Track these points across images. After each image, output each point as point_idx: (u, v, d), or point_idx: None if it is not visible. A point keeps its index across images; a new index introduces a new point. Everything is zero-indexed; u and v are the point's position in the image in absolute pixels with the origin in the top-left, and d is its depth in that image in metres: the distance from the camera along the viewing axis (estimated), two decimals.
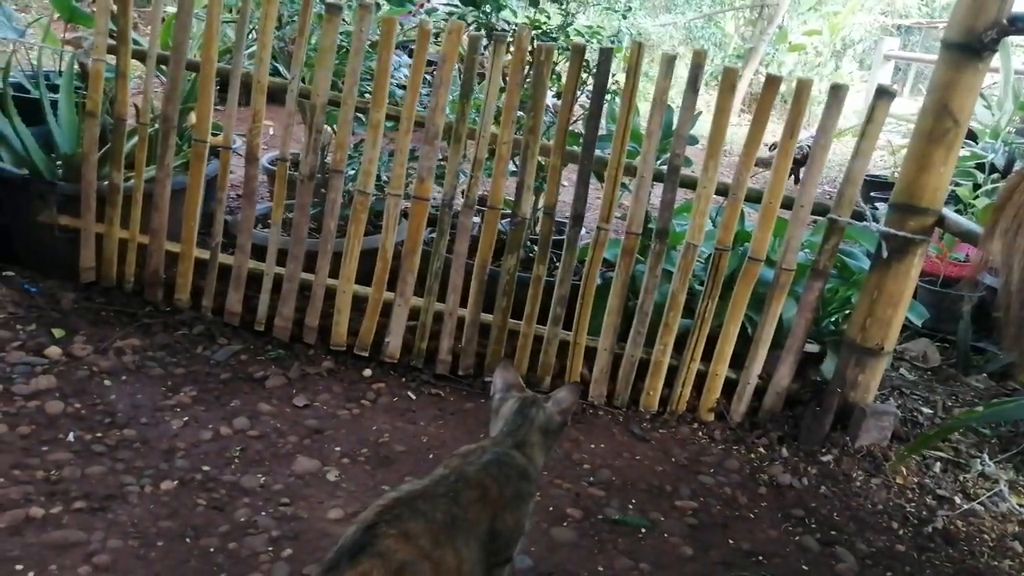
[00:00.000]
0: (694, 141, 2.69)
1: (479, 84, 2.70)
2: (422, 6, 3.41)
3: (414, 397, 2.68)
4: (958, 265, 3.83)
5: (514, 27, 2.96)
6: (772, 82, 2.52)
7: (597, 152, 2.66)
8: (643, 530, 2.17)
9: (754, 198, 2.60)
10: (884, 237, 2.54)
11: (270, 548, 1.91)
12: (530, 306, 2.74)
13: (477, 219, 2.85)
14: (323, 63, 2.64)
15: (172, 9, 3.09)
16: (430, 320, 2.79)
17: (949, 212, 2.54)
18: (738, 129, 6.75)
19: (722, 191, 2.61)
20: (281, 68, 3.25)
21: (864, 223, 2.59)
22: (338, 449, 2.34)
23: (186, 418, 2.36)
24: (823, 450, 2.64)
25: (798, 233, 2.61)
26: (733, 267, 2.69)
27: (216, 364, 2.66)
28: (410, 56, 2.73)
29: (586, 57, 2.68)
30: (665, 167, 2.61)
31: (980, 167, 4.07)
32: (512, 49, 2.55)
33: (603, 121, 2.67)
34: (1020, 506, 2.50)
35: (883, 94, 2.48)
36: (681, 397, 2.78)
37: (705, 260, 2.79)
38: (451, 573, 1.37)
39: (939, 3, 11.47)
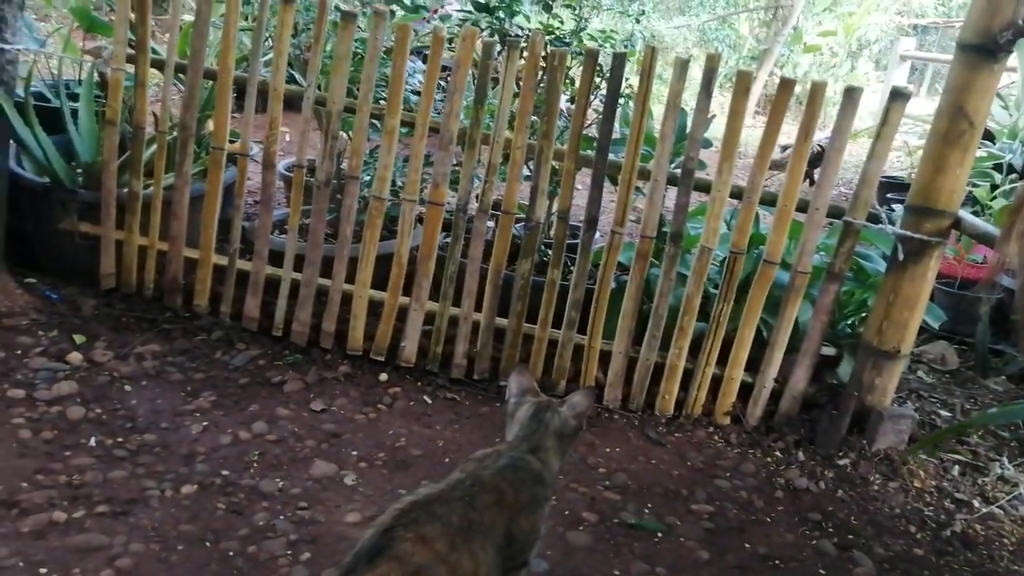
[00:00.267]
0: (708, 144, 2.69)
1: (493, 89, 2.72)
2: (436, 12, 3.43)
3: (430, 401, 2.69)
4: (976, 267, 3.81)
5: (527, 32, 2.98)
6: (786, 85, 2.52)
7: (611, 156, 2.66)
8: (659, 534, 2.18)
9: (769, 201, 2.60)
10: (900, 239, 2.53)
11: (288, 552, 1.92)
12: (545, 310, 2.75)
13: (491, 224, 2.87)
14: (339, 70, 2.66)
15: (189, 18, 3.12)
16: (445, 324, 2.80)
17: (965, 214, 2.53)
18: (752, 131, 6.73)
19: (736, 194, 2.61)
20: (297, 75, 3.28)
21: (880, 225, 2.58)
22: (355, 453, 2.36)
23: (205, 423, 2.39)
24: (840, 454, 2.63)
25: (813, 236, 2.60)
26: (748, 270, 2.69)
27: (235, 369, 2.69)
28: (424, 62, 2.75)
29: (599, 62, 2.69)
30: (679, 170, 2.61)
31: (998, 168, 4.05)
32: (526, 54, 2.57)
33: (617, 125, 2.67)
34: None
35: (898, 96, 2.47)
36: (697, 401, 2.78)
37: (720, 263, 2.79)
38: None
39: (956, 2, 11.38)
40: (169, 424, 2.36)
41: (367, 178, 2.98)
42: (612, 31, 3.30)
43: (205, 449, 2.27)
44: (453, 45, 2.82)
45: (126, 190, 2.88)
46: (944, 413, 2.97)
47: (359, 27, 2.76)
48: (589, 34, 3.15)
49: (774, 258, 2.60)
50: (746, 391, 2.78)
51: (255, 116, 2.81)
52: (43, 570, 1.76)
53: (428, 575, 1.32)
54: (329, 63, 2.78)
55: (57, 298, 2.91)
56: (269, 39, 2.94)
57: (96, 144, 3.04)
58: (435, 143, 2.69)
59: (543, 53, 2.64)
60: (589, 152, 2.69)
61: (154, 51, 2.89)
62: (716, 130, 2.67)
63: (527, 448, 1.68)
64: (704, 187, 2.63)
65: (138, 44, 2.78)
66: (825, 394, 2.81)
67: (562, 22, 3.22)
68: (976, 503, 2.47)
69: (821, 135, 4.98)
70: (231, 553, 1.90)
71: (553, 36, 3.06)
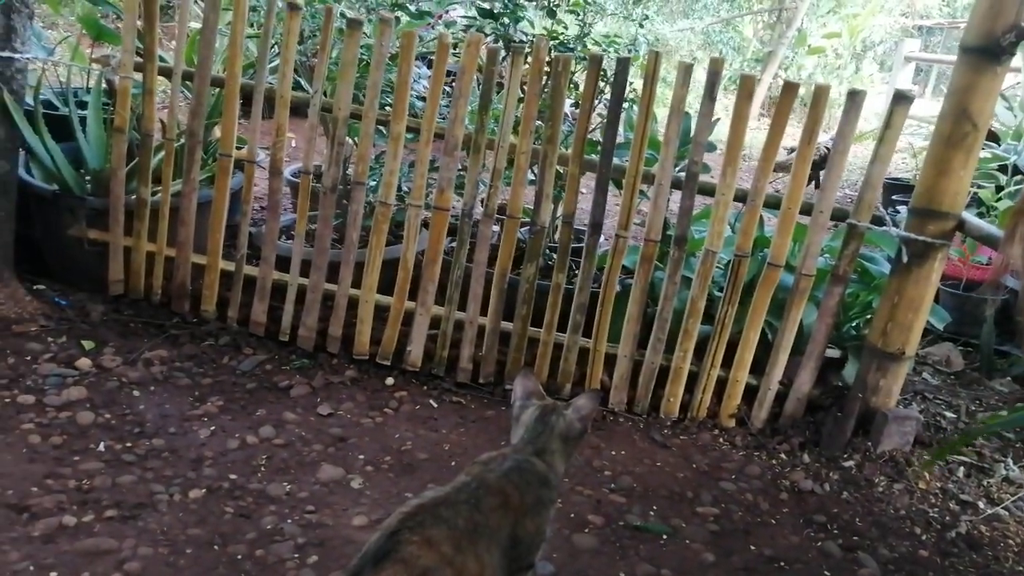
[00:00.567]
0: (712, 147, 2.70)
1: (498, 95, 2.73)
2: (441, 18, 3.45)
3: (436, 405, 2.71)
4: (980, 268, 3.80)
5: (532, 38, 2.99)
6: (789, 89, 2.53)
7: (615, 160, 2.68)
8: (665, 536, 2.18)
9: (773, 204, 2.61)
10: (904, 242, 2.53)
11: (296, 555, 1.94)
12: (550, 314, 2.76)
13: (497, 228, 2.88)
14: (345, 77, 2.68)
15: (196, 25, 3.14)
16: (451, 329, 2.81)
17: (969, 216, 2.53)
18: (757, 134, 6.73)
19: (740, 197, 2.62)
20: (303, 82, 3.30)
21: (884, 228, 2.59)
22: (362, 457, 2.37)
23: (213, 427, 2.41)
24: (845, 455, 2.63)
25: (818, 238, 2.60)
26: (753, 273, 2.69)
27: (242, 374, 2.71)
28: (430, 68, 2.77)
29: (603, 67, 2.70)
30: (683, 174, 2.62)
31: (1002, 169, 4.04)
32: (530, 60, 2.58)
33: (621, 129, 2.68)
34: None
35: (901, 99, 2.48)
36: (702, 403, 2.79)
37: (724, 266, 2.79)
38: None
39: (960, 3, 11.36)
40: (177, 429, 2.38)
41: (373, 183, 2.99)
42: (616, 36, 3.31)
43: (213, 453, 2.29)
44: (458, 51, 2.84)
45: (134, 197, 2.90)
46: (949, 415, 2.97)
47: (365, 34, 2.77)
48: (593, 39, 3.16)
49: (778, 261, 2.61)
50: (751, 393, 2.78)
51: (262, 123, 2.84)
52: (53, 574, 1.78)
53: None
54: (335, 70, 2.79)
55: (66, 304, 2.93)
56: (276, 46, 2.96)
57: (104, 151, 3.06)
58: (440, 149, 2.70)
59: (547, 58, 2.65)
60: (593, 156, 2.70)
61: (161, 59, 2.92)
62: (720, 133, 2.68)
63: (532, 451, 1.69)
64: (708, 190, 2.64)
65: (146, 52, 2.81)
66: (830, 396, 2.81)
67: (566, 27, 3.23)
68: (981, 504, 2.47)
69: (825, 137, 4.99)
70: (239, 557, 1.91)
71: (557, 41, 3.08)
